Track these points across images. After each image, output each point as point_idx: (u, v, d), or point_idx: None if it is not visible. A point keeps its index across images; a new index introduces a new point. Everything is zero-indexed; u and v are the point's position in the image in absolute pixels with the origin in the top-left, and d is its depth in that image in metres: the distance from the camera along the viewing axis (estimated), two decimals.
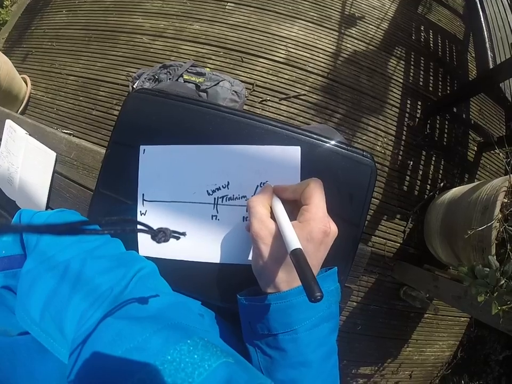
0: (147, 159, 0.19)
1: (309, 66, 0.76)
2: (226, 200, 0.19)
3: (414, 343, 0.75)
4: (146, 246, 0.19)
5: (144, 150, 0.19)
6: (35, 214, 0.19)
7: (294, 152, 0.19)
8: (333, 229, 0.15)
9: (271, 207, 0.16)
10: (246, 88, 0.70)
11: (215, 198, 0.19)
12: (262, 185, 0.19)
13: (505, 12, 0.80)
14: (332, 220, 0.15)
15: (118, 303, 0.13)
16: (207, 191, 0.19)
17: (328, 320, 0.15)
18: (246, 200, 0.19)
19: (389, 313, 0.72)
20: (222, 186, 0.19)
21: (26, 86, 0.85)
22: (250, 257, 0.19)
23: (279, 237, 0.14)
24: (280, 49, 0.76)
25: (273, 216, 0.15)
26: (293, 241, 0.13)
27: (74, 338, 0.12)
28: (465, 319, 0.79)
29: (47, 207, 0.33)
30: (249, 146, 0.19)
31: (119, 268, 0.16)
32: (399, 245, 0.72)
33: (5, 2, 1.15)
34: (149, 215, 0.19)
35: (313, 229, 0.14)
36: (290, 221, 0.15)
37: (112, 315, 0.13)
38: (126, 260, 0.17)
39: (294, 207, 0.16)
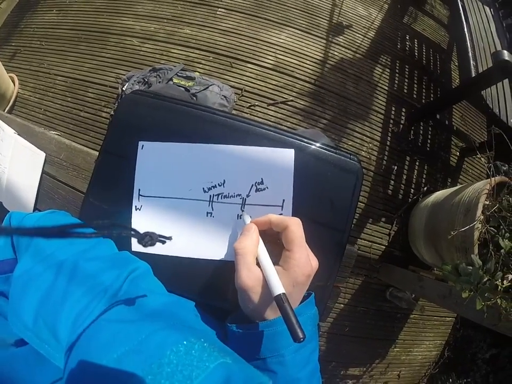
0: (145, 155, 0.19)
1: (297, 72, 0.77)
2: (221, 198, 0.19)
3: (401, 343, 0.76)
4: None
5: (142, 145, 0.19)
6: (25, 217, 0.19)
7: (288, 154, 0.19)
8: (314, 266, 0.16)
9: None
10: (234, 93, 0.70)
11: (210, 196, 0.19)
12: (257, 184, 0.19)
13: (488, 22, 0.83)
14: (312, 255, 0.16)
15: (112, 305, 0.13)
16: (203, 188, 0.19)
17: (310, 341, 0.16)
18: (240, 198, 0.19)
19: (376, 314, 0.73)
20: (218, 184, 0.19)
21: (14, 85, 0.83)
22: None
23: (266, 283, 0.14)
24: (269, 55, 0.77)
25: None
26: (277, 287, 0.13)
27: (68, 342, 0.12)
28: (450, 319, 0.81)
29: (35, 208, 0.33)
30: (245, 147, 0.19)
31: (112, 269, 0.16)
32: (384, 247, 0.73)
33: None
34: (144, 210, 0.19)
35: (298, 275, 0.15)
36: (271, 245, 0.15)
37: (107, 317, 0.13)
38: (119, 261, 0.17)
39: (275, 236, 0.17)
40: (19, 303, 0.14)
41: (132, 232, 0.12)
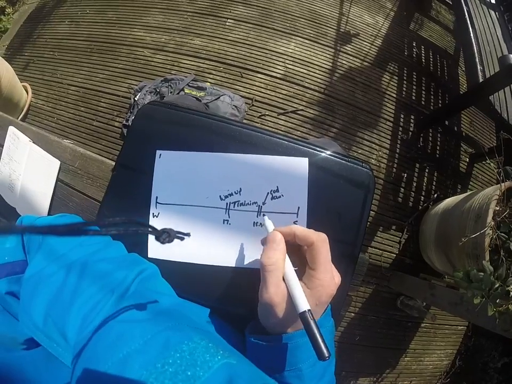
0: (162, 163, 0.20)
1: (306, 82, 0.78)
2: (238, 206, 0.20)
3: (412, 352, 0.75)
4: (155, 248, 0.19)
5: (160, 154, 0.20)
6: (36, 220, 0.19)
7: (302, 163, 0.20)
8: (338, 282, 0.15)
9: None
10: (245, 103, 0.71)
11: (227, 203, 0.20)
12: (272, 192, 0.19)
13: (494, 26, 0.83)
14: (336, 272, 0.16)
15: (119, 306, 0.13)
16: (220, 196, 0.20)
17: None
18: (257, 206, 0.19)
19: (386, 323, 0.72)
20: (235, 192, 0.20)
21: (27, 94, 0.86)
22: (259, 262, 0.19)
23: (290, 299, 0.14)
24: (278, 65, 0.78)
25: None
26: (302, 305, 0.14)
27: (76, 342, 0.12)
28: (462, 327, 0.79)
29: (49, 215, 0.33)
30: (261, 156, 0.20)
31: (120, 270, 0.16)
32: (395, 255, 0.73)
33: (6, 10, 1.17)
34: (161, 217, 0.20)
35: (322, 295, 0.15)
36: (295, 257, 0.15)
37: (114, 318, 0.13)
38: (127, 262, 0.17)
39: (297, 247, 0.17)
40: (30, 303, 0.14)
41: (149, 229, 0.11)
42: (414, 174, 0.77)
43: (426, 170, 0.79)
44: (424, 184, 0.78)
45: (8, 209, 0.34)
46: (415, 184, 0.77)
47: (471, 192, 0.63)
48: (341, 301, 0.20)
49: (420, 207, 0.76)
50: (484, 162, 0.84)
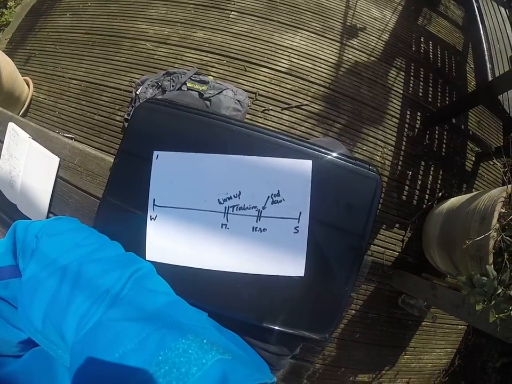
0: (160, 164, 0.19)
1: (311, 76, 0.76)
2: (236, 210, 0.19)
3: (411, 350, 0.75)
4: (153, 251, 0.19)
5: (157, 155, 0.19)
6: (30, 225, 0.19)
7: (305, 166, 0.19)
8: None
9: None
10: (248, 97, 0.70)
11: (225, 207, 0.19)
12: (273, 196, 0.19)
13: (504, 24, 0.81)
14: None
15: (115, 305, 0.13)
16: (218, 199, 0.19)
17: None
18: (256, 210, 0.19)
19: (387, 321, 0.72)
20: (234, 195, 0.19)
21: (29, 88, 0.85)
22: (257, 268, 0.19)
23: None
24: (283, 59, 0.77)
25: None
26: None
27: (74, 342, 0.13)
28: (462, 327, 0.79)
29: (49, 211, 0.33)
30: (262, 157, 0.19)
31: (115, 270, 0.16)
32: (397, 253, 0.72)
33: (8, 3, 1.16)
34: (159, 220, 0.19)
35: None
36: None
37: (110, 317, 0.13)
38: (123, 262, 0.17)
39: None
40: (29, 307, 0.15)
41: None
42: (419, 172, 0.76)
43: (432, 169, 0.77)
44: (429, 182, 0.77)
45: (9, 205, 0.34)
46: (419, 182, 0.76)
47: (477, 192, 0.62)
48: (345, 297, 0.20)
49: (424, 205, 0.75)
50: (490, 161, 0.83)
